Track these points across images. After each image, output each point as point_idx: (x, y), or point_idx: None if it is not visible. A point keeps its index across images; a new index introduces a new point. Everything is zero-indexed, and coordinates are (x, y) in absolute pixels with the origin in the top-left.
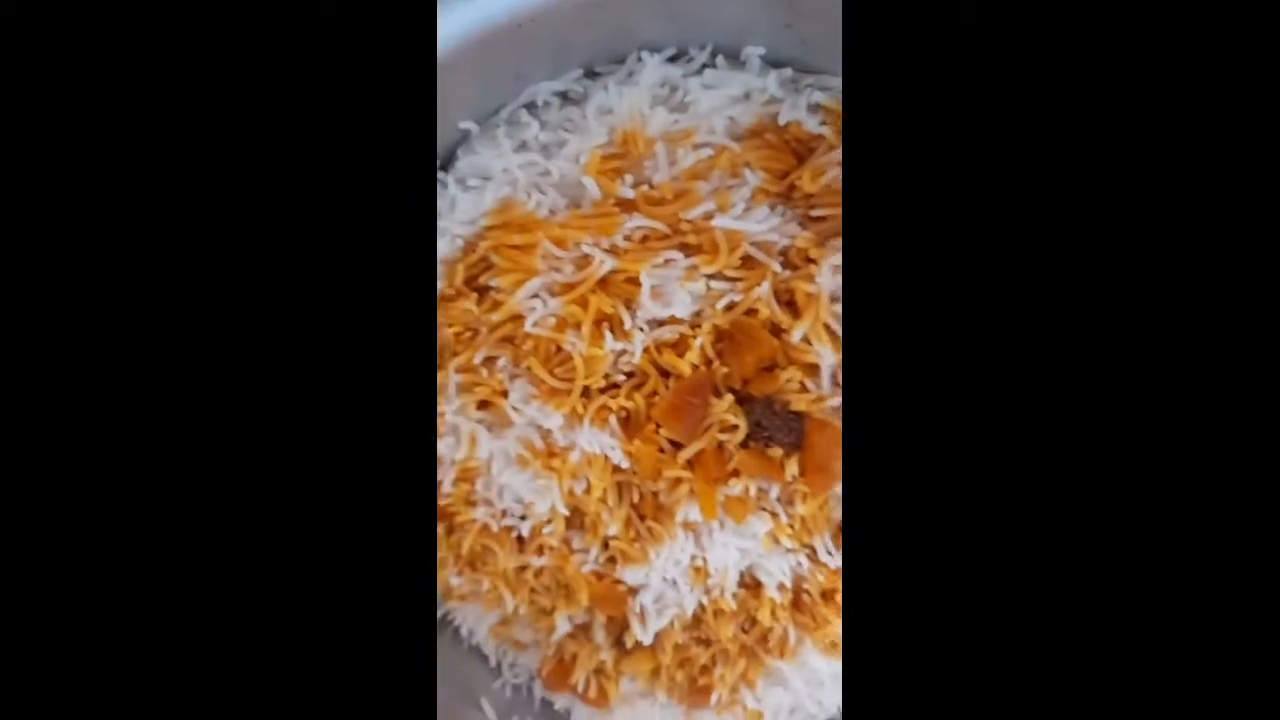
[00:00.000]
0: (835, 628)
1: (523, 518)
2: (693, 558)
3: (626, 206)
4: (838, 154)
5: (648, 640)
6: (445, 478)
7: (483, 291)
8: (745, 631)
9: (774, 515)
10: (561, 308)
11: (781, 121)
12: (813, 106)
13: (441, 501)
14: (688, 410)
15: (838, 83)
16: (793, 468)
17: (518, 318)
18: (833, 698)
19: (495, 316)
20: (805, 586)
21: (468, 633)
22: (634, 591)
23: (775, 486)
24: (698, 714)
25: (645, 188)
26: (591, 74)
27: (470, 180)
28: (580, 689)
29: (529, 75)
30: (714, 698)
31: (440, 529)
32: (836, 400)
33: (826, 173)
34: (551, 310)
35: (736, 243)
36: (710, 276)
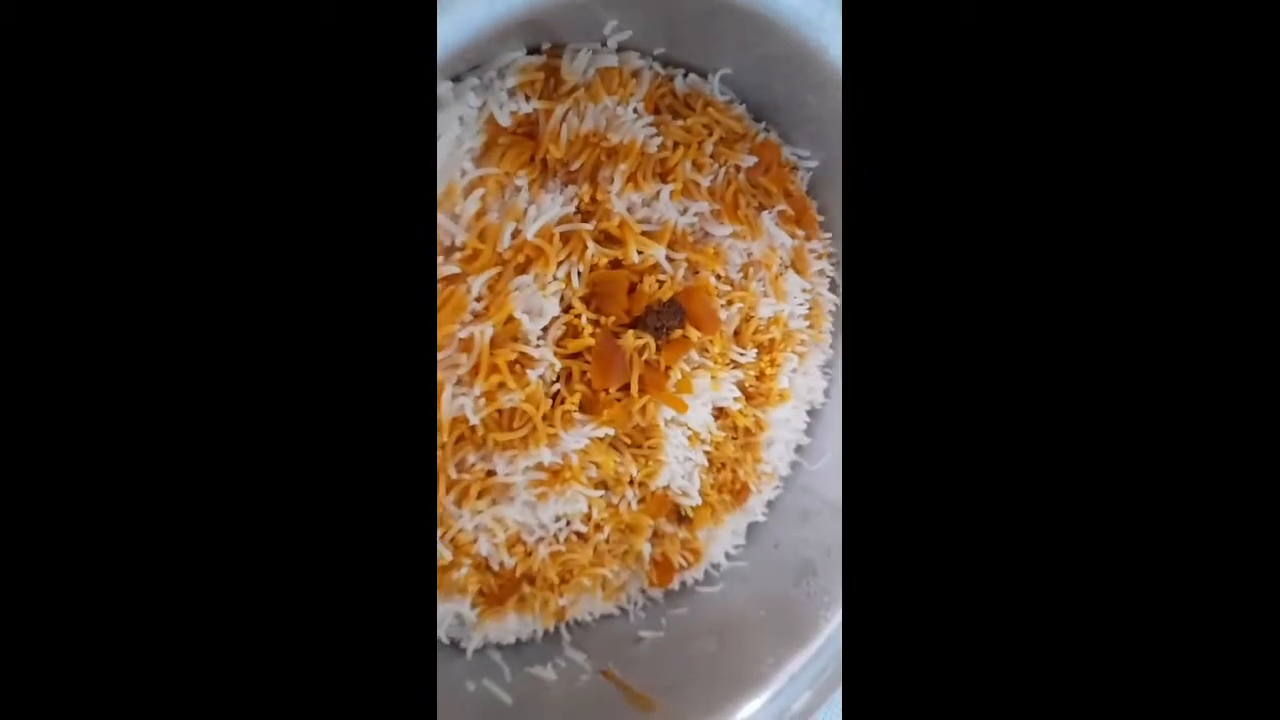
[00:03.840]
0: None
1: (566, 522)
2: (688, 437)
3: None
4: (561, 109)
5: (697, 501)
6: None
7: None
8: (750, 433)
9: (703, 367)
10: (480, 389)
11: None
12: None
13: None
14: (611, 359)
15: None
16: (693, 333)
17: (458, 419)
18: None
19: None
20: (746, 384)
21: None
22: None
23: (692, 352)
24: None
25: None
26: None
27: None
28: None
29: None
30: (753, 488)
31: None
32: (679, 271)
33: (561, 133)
34: (475, 395)
35: (548, 233)
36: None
